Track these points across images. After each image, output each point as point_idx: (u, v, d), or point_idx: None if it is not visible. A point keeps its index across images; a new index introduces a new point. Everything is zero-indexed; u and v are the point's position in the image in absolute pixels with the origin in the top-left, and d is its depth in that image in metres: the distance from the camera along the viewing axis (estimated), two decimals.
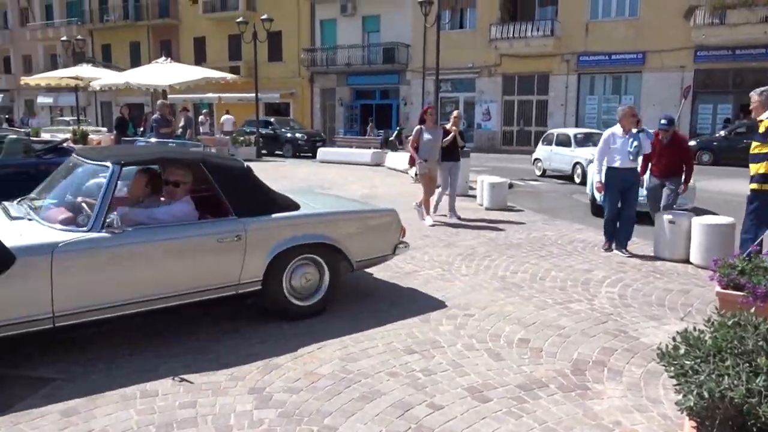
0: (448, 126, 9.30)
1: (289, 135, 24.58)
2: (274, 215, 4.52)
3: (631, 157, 6.82)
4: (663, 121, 7.62)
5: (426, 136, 8.73)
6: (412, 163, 9.38)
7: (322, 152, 20.74)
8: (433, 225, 8.64)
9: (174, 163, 4.53)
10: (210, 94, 30.24)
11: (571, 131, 16.77)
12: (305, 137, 24.48)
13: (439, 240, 7.76)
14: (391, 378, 3.63)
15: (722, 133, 20.50)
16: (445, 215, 9.24)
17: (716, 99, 24.31)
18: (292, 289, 4.60)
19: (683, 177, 7.59)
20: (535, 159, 17.53)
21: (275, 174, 15.39)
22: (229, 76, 18.20)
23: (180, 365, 3.74)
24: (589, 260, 6.75)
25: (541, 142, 17.68)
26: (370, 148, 20.20)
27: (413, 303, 5.12)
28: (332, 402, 3.31)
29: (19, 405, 3.18)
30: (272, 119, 26.22)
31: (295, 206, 4.76)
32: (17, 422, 3.02)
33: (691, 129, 23.69)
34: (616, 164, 6.88)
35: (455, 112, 9.75)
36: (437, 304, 5.09)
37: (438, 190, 9.35)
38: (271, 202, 4.62)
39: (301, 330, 4.40)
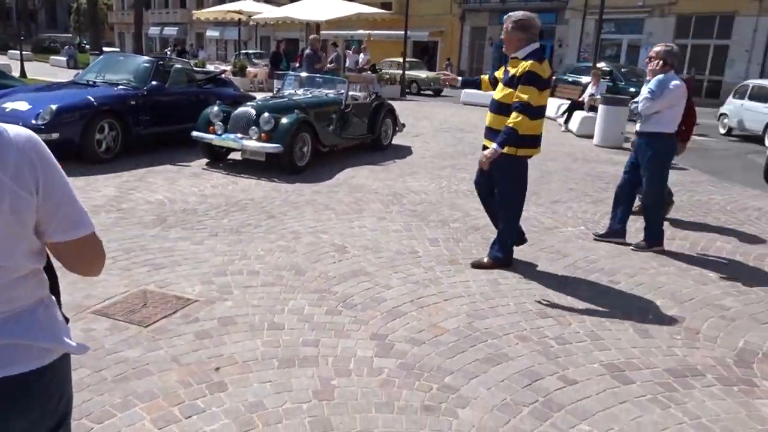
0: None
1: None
2: None
3: None
4: None
5: None
6: None
7: (466, 94, 20.06)
8: None
9: None
10: (360, 31, 30.41)
11: None
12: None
13: (585, 194, 7.16)
14: (520, 342, 3.37)
15: None
16: None
17: None
18: None
19: None
20: (721, 114, 15.14)
21: (417, 114, 15.19)
22: (381, 11, 17.98)
23: (306, 302, 3.76)
24: (766, 232, 5.86)
25: (732, 95, 15.05)
26: None
27: (551, 263, 4.74)
28: (455, 360, 3.13)
29: (161, 322, 3.38)
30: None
31: None
32: (157, 338, 3.19)
33: None
34: None
35: None
36: (576, 267, 4.68)
37: None
38: None
39: (428, 277, 4.26)
